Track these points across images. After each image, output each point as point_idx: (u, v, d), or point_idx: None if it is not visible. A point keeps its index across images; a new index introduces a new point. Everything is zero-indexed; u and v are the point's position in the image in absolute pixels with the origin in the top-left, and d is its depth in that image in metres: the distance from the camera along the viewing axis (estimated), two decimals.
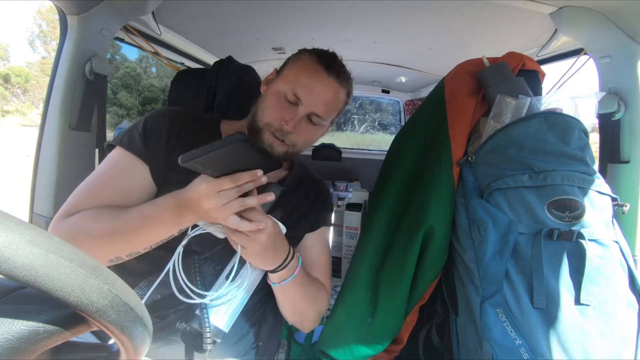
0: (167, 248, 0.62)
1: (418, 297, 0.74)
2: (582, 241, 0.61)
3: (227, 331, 0.64)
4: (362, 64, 1.89)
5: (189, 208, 0.55)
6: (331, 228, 0.88)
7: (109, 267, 0.61)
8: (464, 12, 1.11)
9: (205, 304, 0.63)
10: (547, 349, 0.57)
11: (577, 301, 0.59)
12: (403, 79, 2.13)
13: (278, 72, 0.74)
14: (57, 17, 0.89)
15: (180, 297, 0.60)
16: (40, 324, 0.25)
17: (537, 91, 0.77)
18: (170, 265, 0.61)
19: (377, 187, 0.87)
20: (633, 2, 0.71)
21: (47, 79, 0.92)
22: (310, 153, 2.60)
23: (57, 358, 0.30)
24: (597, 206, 0.64)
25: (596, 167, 0.68)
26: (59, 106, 0.87)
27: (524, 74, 0.76)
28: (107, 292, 0.25)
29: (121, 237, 0.58)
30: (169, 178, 0.68)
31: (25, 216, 0.91)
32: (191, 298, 0.60)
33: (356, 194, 1.06)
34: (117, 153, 0.68)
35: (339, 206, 1.08)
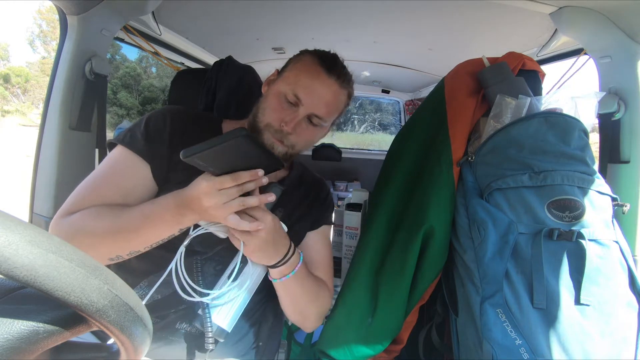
0: (168, 247, 0.62)
1: (418, 297, 0.74)
2: (582, 241, 0.61)
3: (229, 331, 0.65)
4: (362, 64, 1.89)
5: (189, 207, 0.55)
6: (332, 227, 0.88)
7: (109, 265, 0.62)
8: (464, 12, 1.11)
9: (207, 304, 0.63)
10: (547, 349, 0.57)
11: (577, 301, 0.59)
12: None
13: (279, 72, 0.74)
14: (57, 17, 0.89)
15: (183, 295, 0.60)
16: (40, 324, 0.25)
17: (537, 91, 0.77)
18: (172, 265, 0.61)
19: (377, 187, 0.87)
20: (633, 2, 0.71)
21: (47, 79, 0.92)
22: (310, 153, 2.60)
23: (57, 358, 0.30)
24: (597, 206, 0.64)
25: (596, 167, 0.68)
26: (59, 106, 0.87)
27: (524, 74, 0.76)
28: (107, 292, 0.25)
29: (122, 236, 0.58)
30: (170, 177, 0.68)
31: (25, 216, 0.91)
32: (194, 297, 0.61)
33: (356, 194, 1.06)
34: (119, 151, 0.68)
35: (339, 206, 1.08)
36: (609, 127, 0.81)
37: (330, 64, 0.69)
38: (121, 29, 1.01)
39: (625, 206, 0.66)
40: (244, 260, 0.63)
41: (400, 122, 3.08)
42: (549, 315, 0.59)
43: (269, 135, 0.68)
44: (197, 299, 0.61)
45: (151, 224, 0.58)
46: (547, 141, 0.66)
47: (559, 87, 0.94)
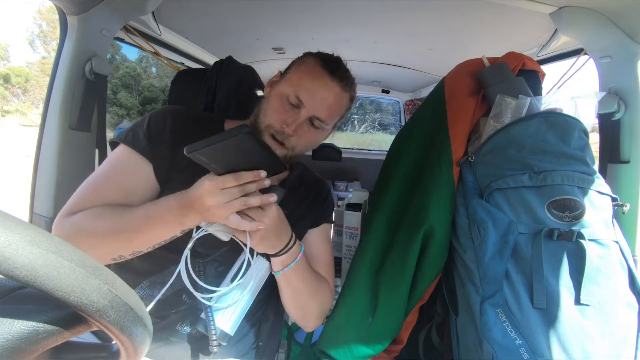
0: (171, 248, 0.62)
1: (418, 297, 0.74)
2: (582, 241, 0.61)
3: (232, 334, 0.65)
4: (362, 64, 1.89)
5: (192, 207, 0.56)
6: (332, 226, 0.89)
7: (112, 264, 0.62)
8: (464, 12, 1.11)
9: (210, 307, 0.63)
10: (547, 349, 0.57)
11: (577, 301, 0.59)
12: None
13: (282, 74, 0.75)
14: (57, 17, 0.89)
15: (194, 293, 0.61)
16: (40, 324, 0.25)
17: (537, 91, 0.77)
18: (178, 268, 0.61)
19: (377, 187, 0.87)
20: (633, 2, 0.71)
21: (47, 79, 0.92)
22: (310, 153, 2.60)
23: (57, 358, 0.30)
24: (597, 206, 0.64)
25: (596, 167, 0.68)
26: (59, 106, 0.87)
27: (524, 74, 0.76)
28: (107, 292, 0.25)
29: (124, 236, 0.59)
30: (172, 177, 0.68)
31: (25, 216, 0.91)
32: (204, 295, 0.61)
33: (356, 194, 1.06)
34: (121, 151, 0.68)
35: (339, 206, 1.08)
36: (609, 127, 0.81)
37: (333, 67, 0.69)
38: (121, 29, 1.01)
39: (625, 206, 0.66)
40: (248, 263, 0.64)
41: (400, 122, 3.08)
42: (549, 315, 0.59)
43: (267, 137, 0.68)
44: (205, 296, 0.62)
45: (153, 224, 0.58)
46: (547, 141, 0.66)
47: (559, 87, 0.94)
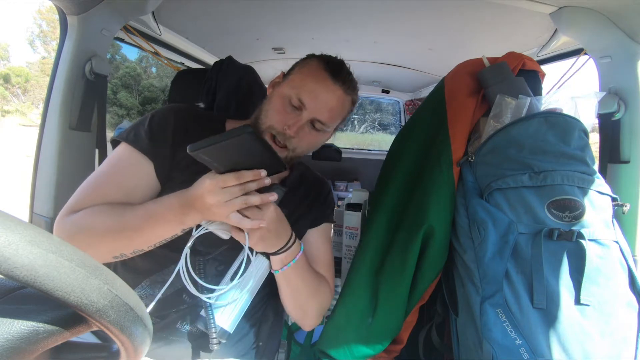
0: (171, 247, 0.62)
1: (418, 297, 0.74)
2: (582, 241, 0.61)
3: (231, 332, 0.65)
4: (362, 64, 1.89)
5: (193, 206, 0.56)
6: (332, 225, 0.89)
7: (113, 262, 0.62)
8: (464, 12, 1.11)
9: (210, 304, 0.63)
10: (547, 349, 0.57)
11: (577, 301, 0.59)
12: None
13: (285, 75, 0.74)
14: (57, 17, 0.89)
15: (193, 291, 0.61)
16: (40, 324, 0.25)
17: (537, 91, 0.77)
18: (178, 267, 0.61)
19: (377, 187, 0.87)
20: (633, 2, 0.71)
21: (47, 79, 0.92)
22: (310, 153, 2.60)
23: (57, 358, 0.30)
24: (597, 206, 0.64)
25: (596, 167, 0.68)
26: (59, 106, 0.87)
27: (524, 74, 0.76)
28: (107, 292, 0.25)
29: (124, 235, 0.59)
30: (173, 176, 0.68)
31: (25, 216, 0.91)
32: (201, 293, 0.61)
33: (356, 194, 1.06)
34: (122, 149, 0.68)
35: (339, 206, 1.08)
36: (609, 127, 0.81)
37: (336, 70, 0.69)
38: (121, 29, 1.01)
39: (625, 206, 0.66)
40: (248, 261, 0.64)
41: (400, 122, 3.08)
42: (549, 315, 0.59)
43: (268, 138, 0.68)
44: (206, 295, 0.62)
45: (154, 223, 0.58)
46: (547, 141, 0.66)
47: (559, 87, 0.94)
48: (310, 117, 0.68)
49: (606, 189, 0.66)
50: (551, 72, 0.93)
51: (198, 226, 0.61)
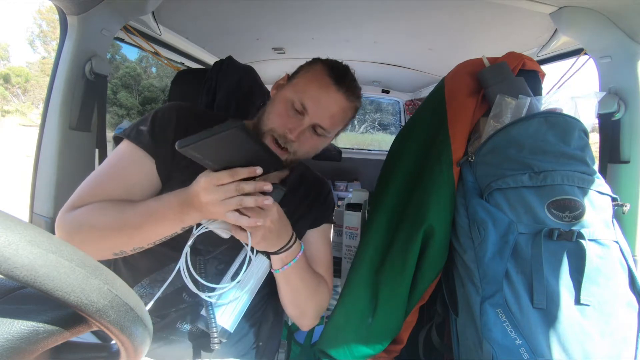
0: (172, 245, 0.63)
1: (418, 297, 0.74)
2: (582, 241, 0.61)
3: (232, 331, 0.65)
4: (362, 64, 1.88)
5: (191, 204, 0.56)
6: (332, 226, 0.89)
7: (113, 258, 0.61)
8: (464, 12, 1.11)
9: (211, 304, 0.63)
10: (547, 349, 0.57)
11: (577, 301, 0.59)
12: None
13: (289, 78, 0.74)
14: (57, 17, 0.89)
15: (196, 290, 0.61)
16: (40, 324, 0.25)
17: (537, 91, 0.77)
18: (178, 265, 0.61)
19: (377, 187, 0.87)
20: (633, 2, 0.71)
21: (47, 79, 0.92)
22: None
23: (57, 358, 0.30)
24: (597, 206, 0.64)
25: (596, 167, 0.68)
26: (59, 106, 0.87)
27: (524, 74, 0.76)
28: (107, 292, 0.25)
29: (125, 232, 0.59)
30: (173, 176, 0.68)
31: (25, 216, 0.91)
32: (202, 292, 0.61)
33: (356, 194, 1.06)
34: (125, 146, 0.68)
35: (339, 206, 1.08)
36: (609, 127, 0.81)
37: (340, 76, 0.69)
38: (121, 29, 1.01)
39: (625, 206, 0.66)
40: (249, 260, 0.64)
41: (400, 122, 3.08)
42: (549, 315, 0.59)
43: (269, 140, 0.68)
44: (207, 294, 0.62)
45: (154, 221, 0.58)
46: (547, 141, 0.66)
47: (559, 87, 0.94)
48: (312, 122, 0.68)
49: (606, 189, 0.66)
50: (551, 72, 0.93)
51: (199, 225, 0.61)
